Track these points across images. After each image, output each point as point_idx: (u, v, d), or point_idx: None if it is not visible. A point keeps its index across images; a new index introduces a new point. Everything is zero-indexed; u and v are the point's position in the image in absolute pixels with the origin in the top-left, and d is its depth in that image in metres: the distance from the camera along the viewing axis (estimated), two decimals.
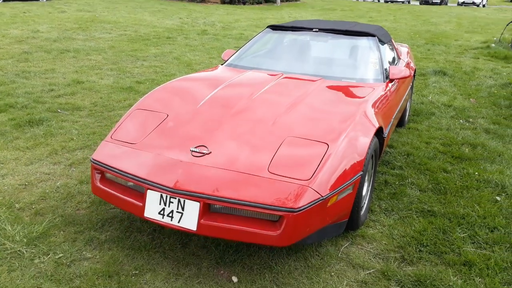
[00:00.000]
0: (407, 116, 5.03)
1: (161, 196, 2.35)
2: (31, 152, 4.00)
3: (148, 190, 2.38)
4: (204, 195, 2.26)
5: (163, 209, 2.35)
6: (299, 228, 2.21)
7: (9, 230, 2.74)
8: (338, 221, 2.53)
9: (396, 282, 2.40)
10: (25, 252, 2.55)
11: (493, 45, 11.12)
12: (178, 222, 2.32)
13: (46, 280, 2.33)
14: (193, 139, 2.59)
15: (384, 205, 3.18)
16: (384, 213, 3.09)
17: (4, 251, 2.55)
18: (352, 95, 3.15)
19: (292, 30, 4.23)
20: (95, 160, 2.63)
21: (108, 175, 2.66)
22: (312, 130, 2.59)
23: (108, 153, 2.65)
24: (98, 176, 2.66)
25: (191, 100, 3.04)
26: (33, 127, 4.59)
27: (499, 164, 3.93)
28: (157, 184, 2.35)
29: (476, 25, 17.66)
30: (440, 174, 3.68)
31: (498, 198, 3.27)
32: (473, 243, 2.75)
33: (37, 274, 2.38)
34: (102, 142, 2.75)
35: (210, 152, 2.47)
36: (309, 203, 2.19)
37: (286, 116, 2.76)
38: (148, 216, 2.39)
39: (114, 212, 3.02)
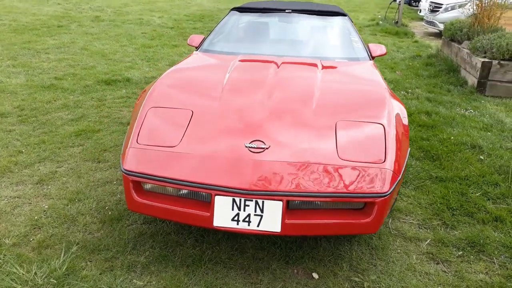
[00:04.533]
0: None
1: (234, 200, 2.09)
2: None
3: (217, 196, 2.10)
4: (286, 193, 2.07)
5: (237, 214, 2.10)
6: (386, 212, 2.18)
7: (21, 273, 2.17)
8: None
9: (455, 247, 2.54)
10: None
11: (380, 22, 12.26)
12: (258, 226, 2.10)
13: None
14: (240, 134, 2.34)
15: None
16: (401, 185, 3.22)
17: None
18: (361, 74, 3.17)
19: (262, 12, 4.08)
20: (130, 171, 2.22)
21: (148, 186, 2.27)
22: (357, 112, 2.54)
23: (144, 160, 2.25)
24: (134, 189, 2.25)
25: (206, 92, 2.74)
26: None
27: (456, 127, 4.39)
28: (229, 188, 2.08)
29: (353, 5, 19.22)
30: (421, 142, 3.97)
31: (481, 157, 3.66)
32: (488, 200, 3.04)
33: None
34: (128, 149, 2.32)
35: (269, 146, 2.27)
36: (393, 185, 2.17)
37: (320, 100, 2.66)
38: (219, 225, 2.11)
39: (138, 229, 2.61)
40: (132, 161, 2.26)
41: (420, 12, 14.71)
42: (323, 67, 3.19)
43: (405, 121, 2.66)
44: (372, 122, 2.45)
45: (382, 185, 2.13)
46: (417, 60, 7.60)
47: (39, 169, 3.35)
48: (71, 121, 4.37)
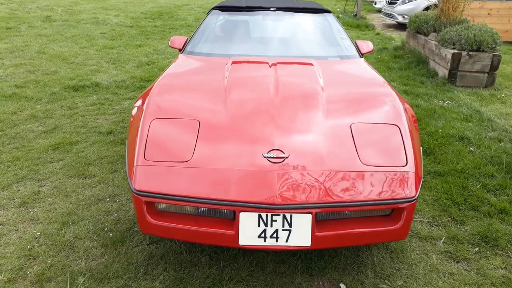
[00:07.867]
0: None
1: (260, 216, 1.97)
2: None
3: (241, 213, 1.96)
4: (315, 205, 1.97)
5: (264, 230, 1.98)
6: (412, 216, 2.13)
7: None
8: None
9: (470, 244, 2.55)
10: None
11: (341, 15, 12.40)
12: (286, 241, 1.99)
13: None
14: (255, 143, 2.20)
15: None
16: None
17: None
18: (360, 73, 3.13)
19: (246, 11, 3.93)
20: (141, 191, 2.03)
21: (162, 205, 2.10)
22: (369, 113, 2.48)
23: (156, 179, 2.06)
24: (147, 210, 2.07)
25: (208, 99, 2.57)
26: None
27: (439, 119, 4.47)
28: (254, 203, 1.95)
29: None
30: None
31: (472, 149, 3.73)
32: (488, 192, 3.10)
33: None
34: (136, 167, 2.12)
35: (289, 155, 2.15)
36: (418, 188, 2.12)
37: (328, 102, 2.57)
38: (245, 244, 1.98)
39: (146, 250, 2.42)
40: (143, 180, 2.07)
41: (375, 4, 15.06)
42: (321, 67, 3.11)
43: (414, 119, 2.64)
44: (387, 124, 2.39)
45: (409, 190, 2.08)
46: (385, 53, 7.72)
47: (19, 190, 3.05)
48: (43, 133, 4.04)
